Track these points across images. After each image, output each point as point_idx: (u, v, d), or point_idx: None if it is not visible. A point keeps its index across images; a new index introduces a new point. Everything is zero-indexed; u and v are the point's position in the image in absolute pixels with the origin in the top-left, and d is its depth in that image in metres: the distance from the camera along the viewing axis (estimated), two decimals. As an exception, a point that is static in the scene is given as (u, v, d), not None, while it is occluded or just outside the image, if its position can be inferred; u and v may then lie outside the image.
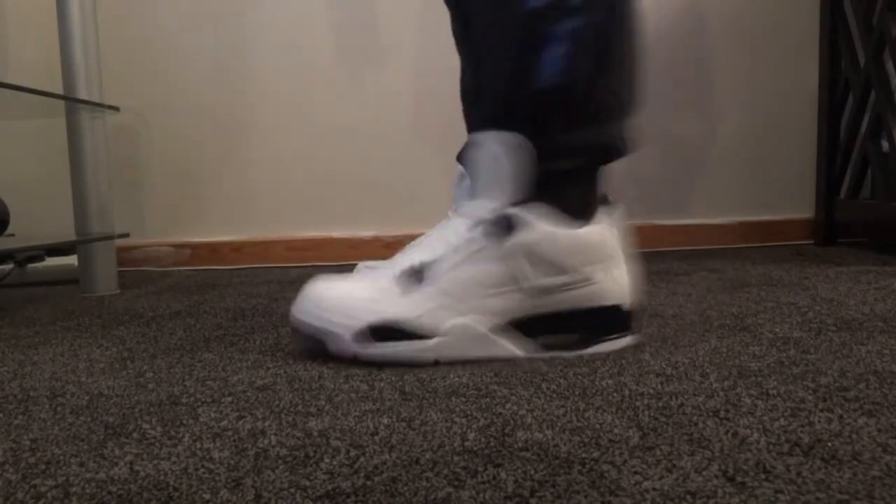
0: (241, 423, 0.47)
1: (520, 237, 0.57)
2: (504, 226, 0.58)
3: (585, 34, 0.56)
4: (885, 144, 1.27)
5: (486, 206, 0.59)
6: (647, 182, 1.47)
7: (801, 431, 0.42)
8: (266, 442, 0.43)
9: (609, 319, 0.60)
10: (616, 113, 0.60)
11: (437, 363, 0.59)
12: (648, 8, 1.42)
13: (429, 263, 0.60)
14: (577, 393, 0.51)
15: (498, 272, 0.58)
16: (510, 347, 0.59)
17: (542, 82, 0.57)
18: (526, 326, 0.59)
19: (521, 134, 0.57)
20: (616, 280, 0.60)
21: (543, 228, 0.57)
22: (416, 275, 0.60)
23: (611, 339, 0.61)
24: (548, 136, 0.58)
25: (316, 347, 0.62)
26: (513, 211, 0.57)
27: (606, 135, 0.60)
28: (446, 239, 0.60)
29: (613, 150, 0.60)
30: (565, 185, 0.59)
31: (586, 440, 0.42)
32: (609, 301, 0.60)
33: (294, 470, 0.39)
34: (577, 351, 0.60)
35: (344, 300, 0.61)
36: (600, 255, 0.59)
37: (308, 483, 0.37)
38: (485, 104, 0.61)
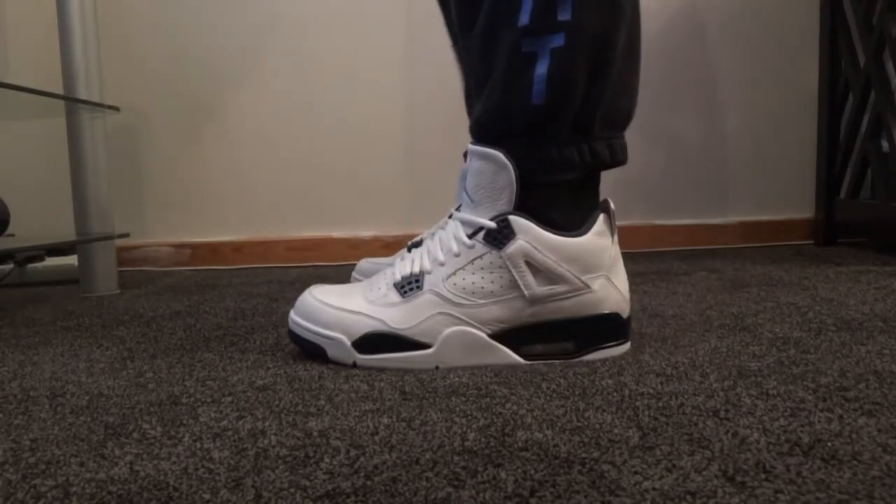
0: (241, 423, 0.47)
1: (520, 244, 0.57)
2: (504, 234, 0.58)
3: (575, 49, 0.55)
4: (885, 144, 1.27)
5: (485, 215, 0.59)
6: (647, 182, 1.47)
7: (801, 431, 0.42)
8: (266, 442, 0.43)
9: (606, 328, 0.60)
10: (612, 123, 0.60)
11: (437, 368, 0.59)
12: (649, 8, 1.43)
13: (428, 270, 0.60)
14: (577, 393, 0.51)
15: (499, 280, 0.58)
16: (510, 355, 0.59)
17: (532, 99, 0.56)
18: (522, 335, 0.59)
19: (507, 150, 0.57)
20: (613, 288, 0.60)
21: (542, 236, 0.57)
22: (415, 282, 0.60)
23: (607, 348, 0.61)
24: (540, 151, 0.58)
25: (316, 353, 0.62)
26: (512, 219, 0.57)
27: (601, 146, 0.59)
28: (446, 246, 0.60)
29: (608, 161, 0.60)
30: (562, 195, 0.59)
31: (586, 440, 0.42)
32: (606, 309, 0.60)
33: (294, 470, 0.39)
34: (573, 359, 0.60)
35: (339, 310, 0.61)
36: (598, 264, 0.59)
37: (308, 483, 0.37)
38: (475, 119, 0.61)
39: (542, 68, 0.56)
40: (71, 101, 1.06)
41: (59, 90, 1.07)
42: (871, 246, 1.37)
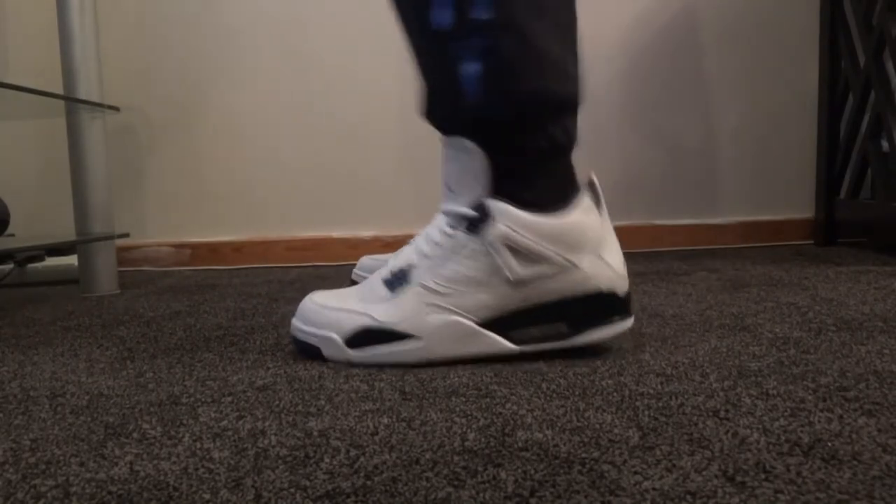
0: (241, 423, 0.47)
1: (498, 228, 0.57)
2: (482, 219, 0.58)
3: (501, 47, 0.55)
4: (885, 144, 1.27)
5: (465, 203, 0.59)
6: (647, 182, 1.47)
7: (801, 431, 0.42)
8: (266, 442, 0.43)
9: (600, 306, 0.60)
10: (560, 108, 0.60)
11: (430, 362, 0.59)
12: (649, 8, 1.43)
13: (415, 264, 0.60)
14: (577, 393, 0.51)
15: (482, 266, 0.58)
16: (501, 342, 0.59)
17: (469, 97, 0.57)
18: (515, 320, 0.59)
19: (470, 138, 0.58)
20: (604, 265, 0.60)
21: (520, 217, 0.57)
22: (404, 276, 0.60)
23: (605, 326, 0.60)
24: (499, 139, 0.58)
25: (314, 353, 0.62)
26: (489, 203, 0.57)
27: (557, 130, 0.59)
28: (431, 238, 0.61)
29: (566, 144, 0.60)
30: (537, 176, 0.59)
31: (586, 440, 0.42)
32: (597, 287, 0.59)
33: (294, 470, 0.39)
34: (569, 340, 0.60)
35: (333, 309, 0.62)
36: (583, 241, 0.59)
37: (308, 483, 0.37)
38: (430, 111, 0.61)
39: (468, 71, 0.56)
40: (71, 101, 1.06)
41: (59, 90, 1.07)
42: (871, 246, 1.37)
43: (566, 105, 0.60)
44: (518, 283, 0.58)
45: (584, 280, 0.59)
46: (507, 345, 0.59)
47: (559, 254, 0.58)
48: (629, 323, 0.62)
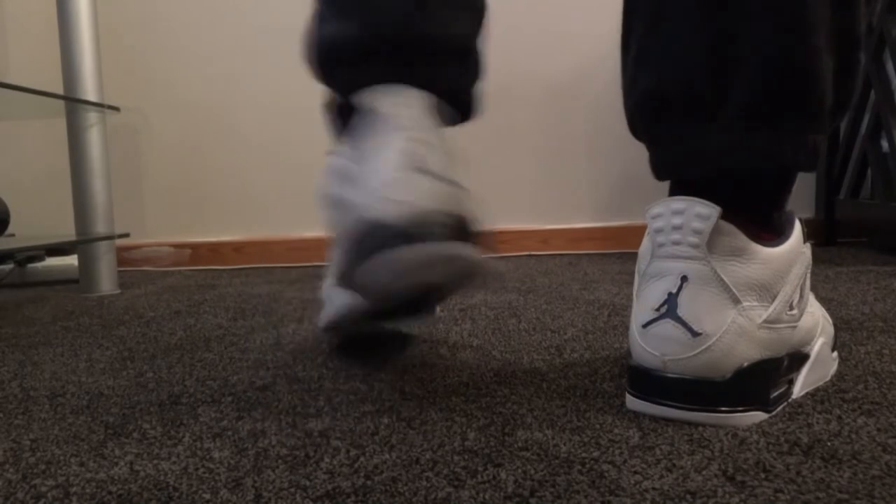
0: (241, 423, 0.47)
1: None
2: None
3: None
4: (884, 144, 1.27)
5: None
6: (647, 182, 1.47)
7: (800, 432, 0.42)
8: (266, 442, 0.43)
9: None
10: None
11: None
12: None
13: None
14: (577, 394, 0.51)
15: None
16: None
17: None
18: None
19: None
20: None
21: None
22: None
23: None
24: None
25: None
26: None
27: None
28: None
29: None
30: None
31: (586, 440, 0.42)
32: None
33: (294, 469, 0.39)
34: None
35: None
36: None
37: (308, 483, 0.37)
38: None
39: None
40: (71, 101, 1.06)
41: (59, 90, 1.07)
42: (871, 246, 1.37)
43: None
44: None
45: None
46: None
47: None
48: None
